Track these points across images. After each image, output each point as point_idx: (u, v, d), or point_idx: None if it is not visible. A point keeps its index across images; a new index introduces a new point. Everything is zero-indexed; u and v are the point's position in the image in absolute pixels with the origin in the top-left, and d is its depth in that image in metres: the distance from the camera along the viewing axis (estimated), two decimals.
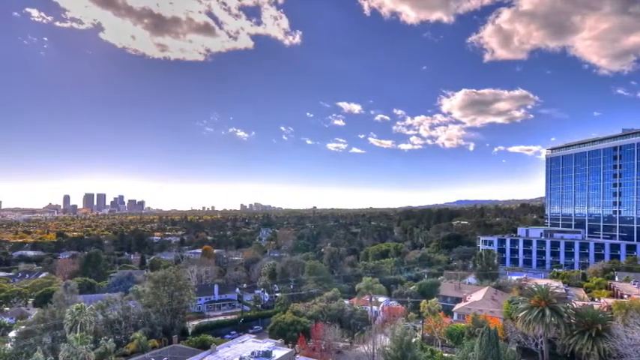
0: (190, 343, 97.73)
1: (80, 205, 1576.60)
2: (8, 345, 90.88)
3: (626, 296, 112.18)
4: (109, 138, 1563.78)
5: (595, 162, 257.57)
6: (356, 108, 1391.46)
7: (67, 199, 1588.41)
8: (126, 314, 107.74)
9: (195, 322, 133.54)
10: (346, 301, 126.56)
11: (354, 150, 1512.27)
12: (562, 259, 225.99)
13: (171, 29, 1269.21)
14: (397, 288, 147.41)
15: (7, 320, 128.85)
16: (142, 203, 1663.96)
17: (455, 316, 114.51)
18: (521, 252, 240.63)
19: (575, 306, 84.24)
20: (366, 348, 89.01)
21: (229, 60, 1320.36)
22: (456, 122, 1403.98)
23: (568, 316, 79.67)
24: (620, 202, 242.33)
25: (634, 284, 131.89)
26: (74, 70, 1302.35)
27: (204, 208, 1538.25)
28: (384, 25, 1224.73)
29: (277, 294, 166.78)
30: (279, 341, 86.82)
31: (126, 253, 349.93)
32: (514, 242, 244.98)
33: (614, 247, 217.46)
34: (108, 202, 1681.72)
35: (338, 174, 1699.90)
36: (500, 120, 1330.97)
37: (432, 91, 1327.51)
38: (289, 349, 79.01)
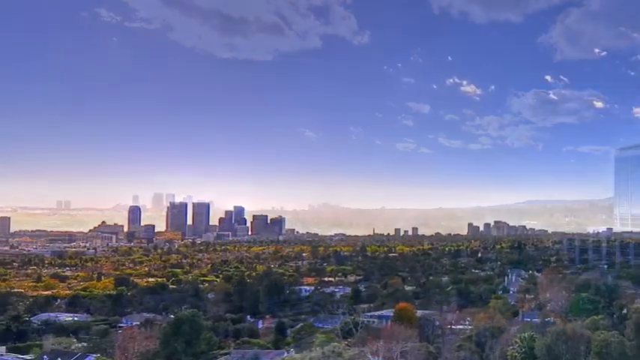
0: None
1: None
2: None
3: None
4: (177, 139, 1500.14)
5: None
6: (425, 108, 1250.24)
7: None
8: None
9: None
10: None
11: (423, 150, 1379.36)
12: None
13: (240, 29, 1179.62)
14: None
15: None
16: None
17: None
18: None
19: None
20: None
21: (298, 59, 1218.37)
22: (526, 122, 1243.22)
23: None
24: None
25: None
26: (143, 69, 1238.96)
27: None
28: (452, 24, 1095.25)
29: None
30: None
31: (248, 317, 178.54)
32: None
33: None
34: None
35: (406, 173, 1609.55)
36: (569, 120, 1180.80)
37: (501, 91, 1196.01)
38: None
